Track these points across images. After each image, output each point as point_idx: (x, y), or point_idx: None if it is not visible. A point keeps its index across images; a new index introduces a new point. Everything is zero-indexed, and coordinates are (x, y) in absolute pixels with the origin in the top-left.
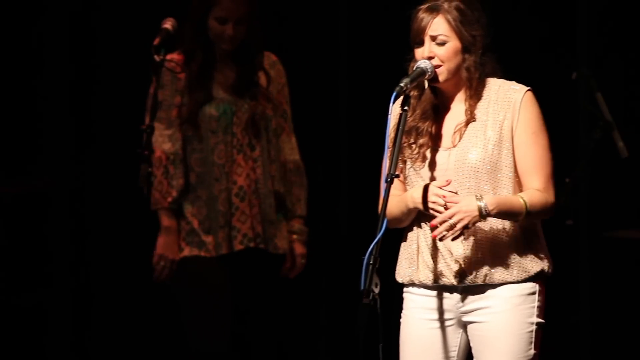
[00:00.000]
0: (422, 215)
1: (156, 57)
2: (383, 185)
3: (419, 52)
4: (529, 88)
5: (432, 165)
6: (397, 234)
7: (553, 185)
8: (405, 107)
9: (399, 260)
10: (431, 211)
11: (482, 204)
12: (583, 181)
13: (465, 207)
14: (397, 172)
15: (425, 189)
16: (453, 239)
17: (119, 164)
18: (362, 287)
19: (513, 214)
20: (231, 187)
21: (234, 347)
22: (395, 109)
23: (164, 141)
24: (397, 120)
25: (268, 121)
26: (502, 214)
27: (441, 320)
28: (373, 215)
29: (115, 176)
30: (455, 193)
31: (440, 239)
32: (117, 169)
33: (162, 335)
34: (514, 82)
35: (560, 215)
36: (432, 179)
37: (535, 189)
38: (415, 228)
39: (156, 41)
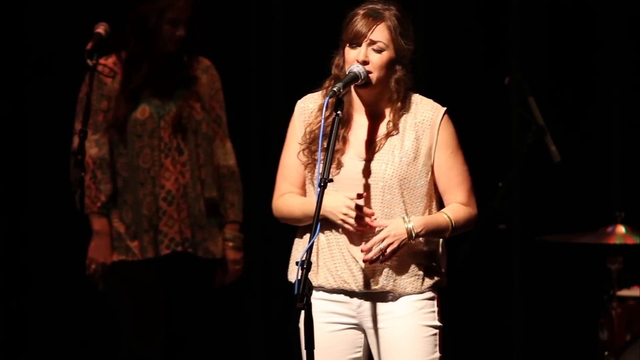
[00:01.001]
0: (327, 219)
1: (89, 62)
2: (317, 190)
3: (352, 54)
4: (445, 108)
5: (345, 173)
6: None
7: (474, 197)
8: (339, 111)
9: (292, 259)
10: (340, 223)
11: (410, 226)
12: (516, 185)
13: (394, 230)
14: (330, 177)
15: (337, 199)
16: (381, 262)
17: (52, 168)
18: (295, 292)
19: (440, 231)
20: (158, 192)
21: (166, 349)
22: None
23: (90, 146)
24: (330, 125)
25: (198, 125)
26: (429, 233)
27: (342, 323)
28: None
29: (49, 181)
30: (370, 213)
31: (371, 263)
32: (50, 174)
33: (98, 337)
34: (431, 101)
35: (493, 219)
36: (345, 187)
37: (459, 203)
38: (323, 230)
39: (89, 46)
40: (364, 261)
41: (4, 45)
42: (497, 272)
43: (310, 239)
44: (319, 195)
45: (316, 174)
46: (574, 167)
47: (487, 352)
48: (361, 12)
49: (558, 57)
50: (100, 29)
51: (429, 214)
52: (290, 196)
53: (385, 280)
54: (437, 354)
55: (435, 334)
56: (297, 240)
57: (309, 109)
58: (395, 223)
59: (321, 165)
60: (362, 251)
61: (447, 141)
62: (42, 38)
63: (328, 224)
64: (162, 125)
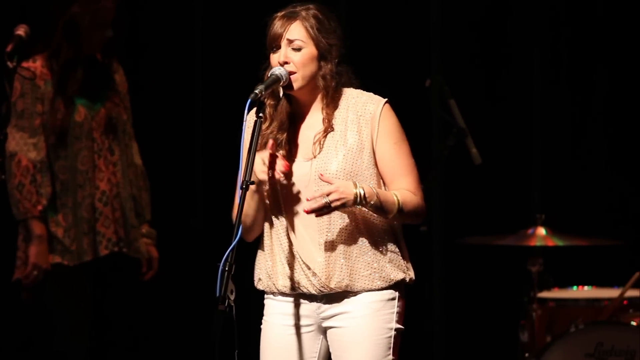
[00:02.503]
0: (278, 224)
1: (9, 64)
2: (238, 192)
3: (274, 57)
4: (386, 100)
5: (296, 177)
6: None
7: (422, 191)
8: (260, 114)
9: (256, 268)
10: (262, 178)
11: (359, 191)
12: (437, 188)
13: (342, 188)
14: (252, 180)
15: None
16: (317, 215)
17: None
18: (217, 294)
19: (386, 208)
20: (94, 193)
21: (96, 349)
22: (249, 117)
23: (29, 150)
24: (252, 128)
25: (124, 124)
26: (376, 205)
27: (301, 326)
28: (228, 222)
29: None
30: (285, 164)
31: (308, 213)
32: None
33: (30, 339)
34: (371, 94)
35: None
36: (297, 191)
37: (406, 189)
38: (271, 236)
39: (9, 48)
40: (305, 212)
41: None
42: (418, 274)
43: (232, 240)
44: (241, 198)
45: (238, 177)
46: (495, 169)
47: (408, 354)
48: (278, 15)
49: (479, 59)
50: (20, 30)
51: None
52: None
53: (340, 278)
54: (390, 357)
55: (390, 337)
56: (260, 253)
57: (250, 119)
58: (345, 183)
59: (242, 168)
60: (307, 200)
61: (388, 132)
62: None
63: (277, 230)
64: (94, 127)
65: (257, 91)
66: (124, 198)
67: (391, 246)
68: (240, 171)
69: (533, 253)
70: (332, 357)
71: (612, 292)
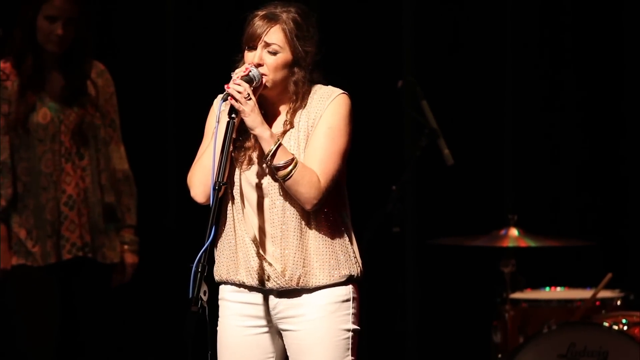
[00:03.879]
0: (238, 218)
1: None
2: (211, 193)
3: (249, 57)
4: (344, 92)
5: (257, 170)
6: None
7: (328, 182)
8: (233, 115)
9: (217, 260)
10: (233, 94)
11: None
12: (409, 188)
13: (252, 104)
14: (224, 181)
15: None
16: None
17: None
18: (190, 295)
19: (283, 157)
20: (60, 196)
21: (62, 354)
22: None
23: None
24: (224, 129)
25: (97, 130)
26: (279, 153)
27: (257, 326)
28: (201, 222)
29: None
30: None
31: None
32: None
33: None
34: (331, 87)
35: (387, 222)
36: (258, 185)
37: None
38: (234, 229)
39: None
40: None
41: None
42: (391, 275)
43: (206, 241)
44: (213, 199)
45: (212, 178)
46: (467, 170)
47: (381, 355)
48: (259, 13)
49: (451, 60)
50: None
51: (333, 204)
52: (194, 163)
53: (293, 269)
54: (349, 358)
55: (347, 338)
56: (220, 242)
57: (221, 108)
58: (254, 107)
59: (215, 169)
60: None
61: (330, 116)
62: None
63: (238, 223)
64: (62, 130)
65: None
66: (92, 203)
67: (343, 241)
68: (212, 172)
69: (505, 254)
70: (290, 359)
71: (585, 293)
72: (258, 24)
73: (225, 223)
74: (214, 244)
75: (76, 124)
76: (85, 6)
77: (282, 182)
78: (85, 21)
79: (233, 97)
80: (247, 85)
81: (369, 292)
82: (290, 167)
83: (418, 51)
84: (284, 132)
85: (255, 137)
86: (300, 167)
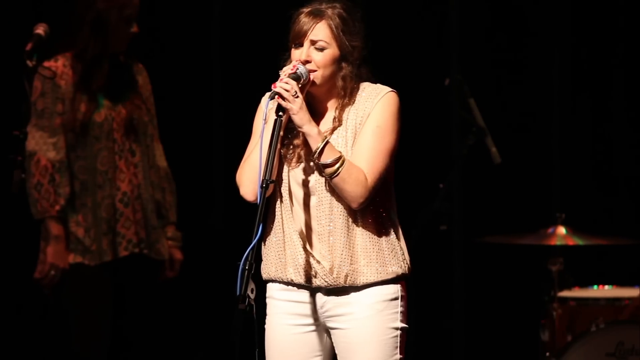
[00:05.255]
0: (287, 216)
1: (29, 63)
2: (258, 191)
3: (296, 54)
4: (393, 90)
5: (305, 167)
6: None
7: (375, 181)
8: (280, 113)
9: (265, 258)
10: (281, 92)
11: (312, 129)
12: (457, 187)
13: (300, 102)
14: (272, 179)
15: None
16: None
17: None
18: (237, 293)
19: (330, 155)
20: (115, 194)
21: (116, 351)
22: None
23: (48, 149)
24: (272, 126)
25: (145, 126)
26: (327, 148)
27: (305, 324)
28: (247, 220)
29: None
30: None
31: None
32: None
33: (47, 341)
34: (379, 85)
35: (434, 220)
36: (306, 182)
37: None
38: (280, 224)
39: (28, 47)
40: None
41: None
42: (438, 273)
43: (253, 239)
44: (260, 197)
45: (259, 176)
46: (515, 168)
47: (428, 353)
48: (305, 11)
49: (498, 58)
50: (40, 29)
51: (382, 202)
52: (243, 160)
53: (341, 267)
54: (398, 356)
55: (396, 336)
56: (268, 240)
57: (269, 106)
58: (302, 105)
59: (262, 167)
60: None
61: (378, 114)
62: None
63: (287, 221)
64: (114, 127)
65: (276, 90)
66: (146, 199)
67: (390, 238)
68: (259, 170)
69: (553, 252)
70: (338, 358)
71: (633, 292)
72: (304, 21)
73: (273, 221)
74: (261, 241)
75: (127, 120)
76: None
77: (329, 180)
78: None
79: (280, 96)
80: (294, 83)
81: (416, 289)
82: (337, 165)
83: (465, 49)
84: (333, 129)
85: (303, 135)
86: (348, 165)
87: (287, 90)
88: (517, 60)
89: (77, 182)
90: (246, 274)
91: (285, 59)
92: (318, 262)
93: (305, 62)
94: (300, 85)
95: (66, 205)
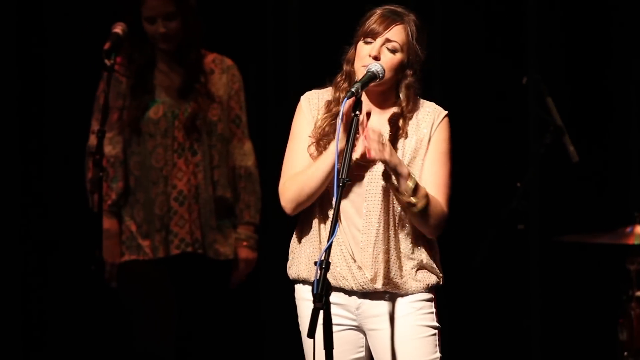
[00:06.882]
0: (322, 215)
1: (107, 62)
2: (335, 189)
3: (366, 49)
4: (446, 112)
5: (357, 173)
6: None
7: (448, 211)
8: (357, 112)
9: (295, 257)
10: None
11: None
12: (534, 186)
13: (389, 148)
14: (348, 178)
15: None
16: (368, 157)
17: (69, 168)
18: (314, 292)
19: (423, 199)
20: (170, 191)
21: (177, 349)
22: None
23: (105, 144)
24: (349, 124)
25: (212, 126)
26: (420, 190)
27: (342, 324)
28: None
29: (65, 182)
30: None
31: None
32: (67, 173)
33: (110, 337)
34: (434, 103)
35: (511, 219)
36: (357, 190)
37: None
38: (317, 227)
39: (107, 45)
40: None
41: (22, 45)
42: (516, 272)
43: (329, 238)
44: (337, 196)
45: (334, 175)
46: (592, 167)
47: (505, 352)
48: (382, 10)
49: (575, 56)
50: (118, 28)
51: None
52: (296, 173)
53: (383, 277)
54: (438, 354)
55: (434, 334)
56: (297, 234)
57: (314, 103)
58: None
59: (338, 165)
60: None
61: (440, 142)
62: (60, 37)
63: (323, 219)
64: (176, 125)
65: (353, 89)
66: (204, 199)
67: (430, 250)
68: (335, 168)
69: (631, 251)
70: (376, 358)
71: None
72: (381, 19)
73: (311, 222)
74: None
75: (190, 119)
76: (185, 1)
77: (410, 213)
78: (189, 15)
79: (371, 151)
80: (378, 131)
81: (493, 288)
82: (424, 202)
83: (543, 47)
84: (396, 140)
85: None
86: (433, 200)
87: (376, 142)
88: (594, 58)
89: (132, 177)
90: (322, 272)
91: (344, 53)
92: (360, 268)
93: (375, 58)
94: (377, 82)
95: (118, 200)
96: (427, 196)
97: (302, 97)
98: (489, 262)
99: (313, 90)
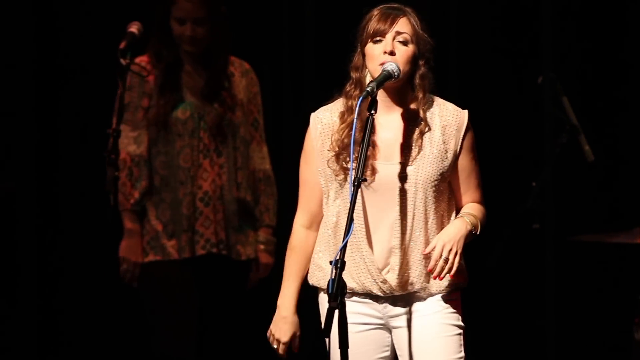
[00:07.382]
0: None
1: (122, 61)
2: (350, 189)
3: (378, 48)
4: (467, 111)
5: (380, 179)
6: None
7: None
8: (372, 111)
9: (316, 263)
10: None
11: (468, 220)
12: (549, 185)
13: (447, 237)
14: (364, 177)
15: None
16: (450, 269)
17: (85, 167)
18: (329, 291)
19: (480, 229)
20: (196, 192)
21: (198, 350)
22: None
23: (129, 143)
24: (363, 124)
25: (236, 128)
26: (479, 227)
27: (367, 323)
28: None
29: (82, 180)
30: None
31: (442, 278)
32: (83, 173)
33: (129, 338)
34: (452, 104)
35: (527, 219)
36: (378, 193)
37: (476, 202)
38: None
39: (122, 45)
40: (434, 278)
41: (38, 45)
42: (531, 271)
43: (344, 238)
44: (352, 194)
45: (350, 173)
46: (608, 166)
47: (520, 351)
48: (380, 9)
49: (591, 55)
50: (134, 28)
51: (448, 214)
52: (291, 252)
53: (410, 283)
54: (462, 354)
55: (460, 334)
56: (317, 240)
57: (326, 124)
58: (446, 232)
59: (354, 164)
60: (428, 271)
61: (470, 145)
62: (76, 37)
63: (357, 229)
64: (202, 126)
65: (369, 88)
66: (228, 201)
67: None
68: (351, 167)
69: None
70: (399, 357)
71: None
72: (384, 17)
73: (335, 228)
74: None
75: (216, 121)
76: (216, 6)
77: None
78: (219, 21)
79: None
80: (447, 248)
81: (509, 288)
82: (480, 225)
83: (558, 47)
84: (421, 132)
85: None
86: (480, 216)
87: (451, 250)
88: (610, 58)
89: (157, 176)
90: (337, 272)
91: (354, 60)
92: (385, 281)
93: (391, 52)
94: (393, 81)
95: (141, 200)
96: (477, 217)
97: (312, 117)
98: (504, 262)
99: (322, 108)
